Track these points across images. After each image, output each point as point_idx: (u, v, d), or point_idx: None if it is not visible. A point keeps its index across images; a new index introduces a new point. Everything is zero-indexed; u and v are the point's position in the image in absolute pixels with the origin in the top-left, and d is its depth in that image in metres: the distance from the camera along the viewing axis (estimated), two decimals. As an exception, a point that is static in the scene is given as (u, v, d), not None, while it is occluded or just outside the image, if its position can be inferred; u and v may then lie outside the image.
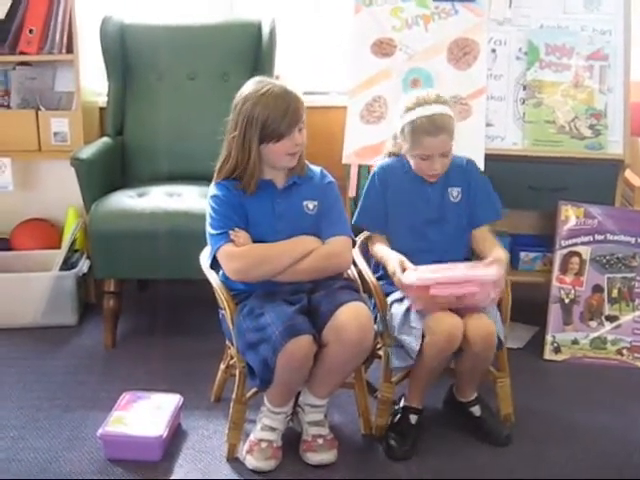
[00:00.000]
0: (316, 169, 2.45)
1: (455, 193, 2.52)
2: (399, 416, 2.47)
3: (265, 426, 2.32)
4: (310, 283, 2.33)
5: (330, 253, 2.33)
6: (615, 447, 2.44)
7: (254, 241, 2.29)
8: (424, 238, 2.50)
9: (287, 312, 2.20)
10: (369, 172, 3.13)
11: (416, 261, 2.38)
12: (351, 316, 2.20)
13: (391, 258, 2.42)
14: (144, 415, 2.42)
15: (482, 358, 2.36)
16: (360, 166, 3.13)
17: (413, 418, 2.45)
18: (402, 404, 2.49)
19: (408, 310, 2.37)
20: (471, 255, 2.56)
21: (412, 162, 2.50)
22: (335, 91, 3.65)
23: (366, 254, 2.59)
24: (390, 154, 2.59)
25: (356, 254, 2.51)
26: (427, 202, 2.51)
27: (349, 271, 2.49)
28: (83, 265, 3.35)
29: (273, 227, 2.32)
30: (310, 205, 2.37)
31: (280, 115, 2.24)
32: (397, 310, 2.41)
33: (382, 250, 2.50)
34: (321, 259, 2.32)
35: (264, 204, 2.31)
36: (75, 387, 2.78)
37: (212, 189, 2.37)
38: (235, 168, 2.32)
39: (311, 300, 2.30)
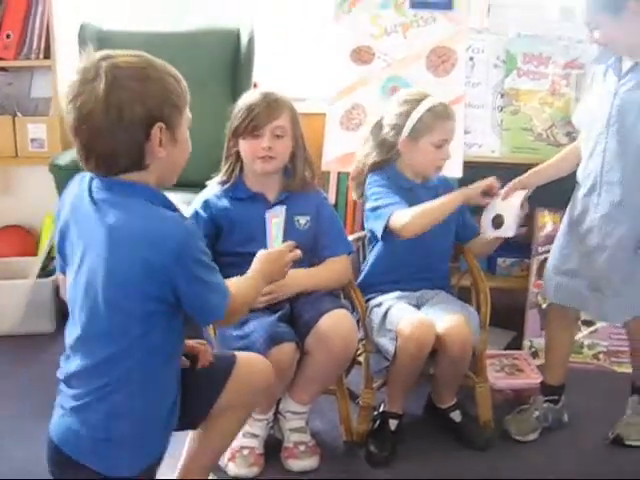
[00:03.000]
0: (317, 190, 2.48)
1: None
2: (378, 422, 2.48)
3: (247, 433, 2.32)
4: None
5: (332, 277, 2.37)
6: (593, 448, 2.49)
7: (247, 254, 2.04)
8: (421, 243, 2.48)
9: (270, 320, 2.21)
10: (348, 179, 3.16)
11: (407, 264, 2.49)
12: (334, 324, 2.22)
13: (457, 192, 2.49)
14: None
15: (458, 363, 2.39)
16: (339, 173, 3.14)
17: (393, 423, 2.46)
18: (381, 409, 2.51)
19: (386, 313, 2.40)
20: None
21: (419, 157, 2.50)
22: (314, 97, 3.66)
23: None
24: (373, 168, 2.57)
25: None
26: None
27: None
28: (61, 272, 3.33)
29: (264, 241, 2.31)
30: (302, 220, 2.38)
31: (253, 109, 2.27)
32: (376, 314, 2.44)
33: (421, 206, 2.42)
34: (324, 282, 2.35)
35: (255, 217, 2.25)
36: (54, 394, 2.75)
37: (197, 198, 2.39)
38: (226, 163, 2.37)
39: (294, 308, 2.32)
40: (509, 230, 2.48)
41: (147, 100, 1.57)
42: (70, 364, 1.72)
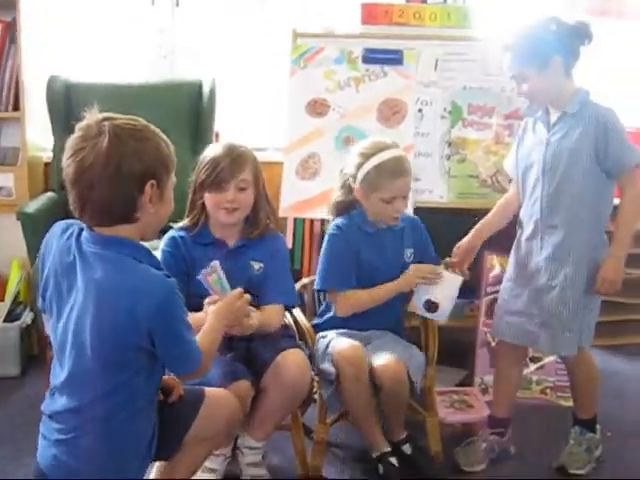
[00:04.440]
0: (277, 234, 2.54)
1: (409, 254, 2.66)
2: (380, 466, 2.55)
3: (205, 468, 2.40)
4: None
5: (262, 323, 2.35)
6: (538, 478, 2.63)
7: (201, 296, 2.22)
8: None
9: (226, 359, 2.32)
10: (304, 224, 3.30)
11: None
12: (291, 363, 2.35)
13: (402, 279, 2.58)
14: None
15: (394, 396, 2.49)
16: (295, 219, 3.28)
17: (393, 460, 2.55)
18: (374, 455, 2.57)
19: (329, 343, 2.53)
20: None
21: (372, 208, 2.56)
22: (272, 147, 3.82)
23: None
24: (338, 206, 2.64)
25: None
26: (386, 260, 2.61)
27: (285, 319, 2.60)
28: (27, 317, 3.41)
29: None
30: (256, 266, 2.46)
31: (218, 164, 2.36)
32: (321, 344, 2.57)
33: (367, 292, 2.57)
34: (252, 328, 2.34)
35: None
36: (21, 438, 2.82)
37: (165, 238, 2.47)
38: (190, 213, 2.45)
39: (250, 347, 2.43)
40: (443, 316, 2.62)
41: (144, 158, 1.73)
42: (55, 403, 1.84)
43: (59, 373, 1.83)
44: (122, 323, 1.72)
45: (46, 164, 3.70)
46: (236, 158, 2.38)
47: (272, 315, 2.44)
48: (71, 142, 1.75)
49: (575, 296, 2.50)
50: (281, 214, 3.23)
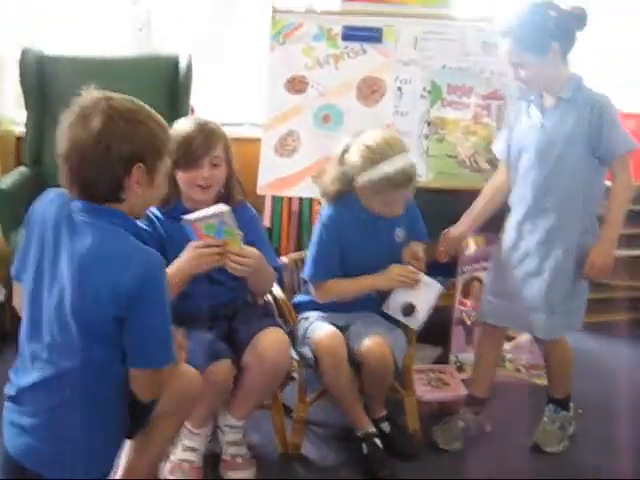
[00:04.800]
0: (242, 204, 2.51)
1: (400, 233, 2.64)
2: (364, 445, 2.56)
3: (186, 447, 2.41)
4: (228, 310, 2.46)
5: (259, 268, 2.35)
6: (513, 455, 2.67)
7: None
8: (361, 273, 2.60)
9: (207, 337, 2.31)
10: (282, 202, 3.29)
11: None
12: (270, 341, 2.35)
13: (383, 278, 2.57)
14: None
15: (378, 377, 2.52)
16: (274, 197, 3.26)
17: (377, 440, 2.56)
18: (359, 434, 2.58)
19: (308, 327, 2.55)
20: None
21: (370, 204, 2.53)
22: (249, 123, 3.79)
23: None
24: (335, 194, 2.58)
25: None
26: (376, 244, 2.60)
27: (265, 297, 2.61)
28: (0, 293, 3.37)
29: None
30: None
31: (191, 142, 2.33)
32: (302, 327, 2.59)
33: (348, 283, 2.59)
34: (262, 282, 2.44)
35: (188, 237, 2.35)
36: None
37: None
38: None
39: (230, 326, 2.43)
40: (417, 322, 2.62)
41: (133, 140, 1.74)
42: (26, 376, 1.79)
43: (35, 343, 1.79)
44: (105, 291, 1.69)
45: (18, 138, 3.63)
46: (209, 135, 2.37)
47: (269, 273, 2.44)
48: (66, 116, 1.75)
49: (565, 280, 2.53)
50: (259, 192, 3.22)
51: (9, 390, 1.84)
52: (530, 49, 2.42)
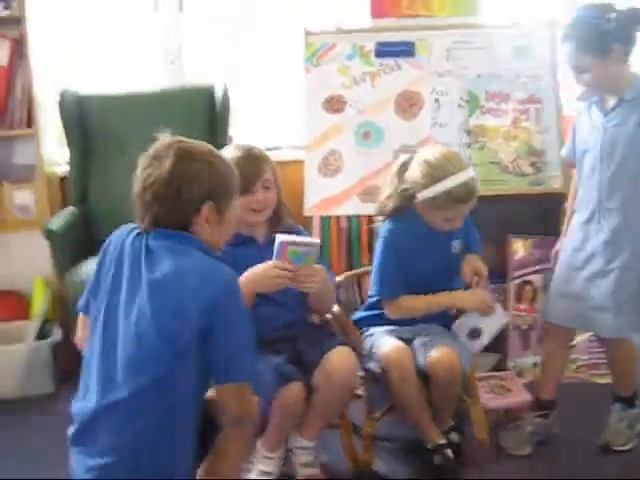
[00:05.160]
0: (296, 226, 2.56)
1: (456, 245, 2.64)
2: (436, 457, 2.55)
3: (260, 472, 2.42)
4: (292, 332, 2.47)
5: (323, 287, 2.37)
6: (585, 457, 2.66)
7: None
8: (428, 290, 2.59)
9: (275, 361, 2.32)
10: (330, 222, 3.31)
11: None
12: (339, 360, 2.36)
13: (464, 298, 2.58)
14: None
15: (447, 388, 2.52)
16: (321, 217, 3.29)
17: (449, 452, 2.55)
18: (429, 446, 2.57)
19: (375, 342, 2.56)
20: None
21: (431, 219, 2.52)
22: (287, 146, 3.82)
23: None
24: (394, 211, 2.58)
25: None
26: (435, 257, 2.59)
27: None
28: (57, 334, 3.40)
29: None
30: None
31: (241, 169, 2.34)
32: (367, 342, 2.60)
33: (423, 300, 2.58)
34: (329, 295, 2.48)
35: (250, 259, 2.35)
36: (60, 455, 2.81)
37: None
38: None
39: (295, 347, 2.44)
40: (481, 348, 2.67)
41: (204, 181, 1.81)
42: (109, 395, 1.78)
43: (107, 364, 1.79)
44: (186, 303, 1.74)
45: (61, 178, 3.68)
46: (256, 159, 2.41)
47: (332, 288, 2.48)
48: (142, 159, 1.85)
49: (632, 279, 2.53)
50: (306, 213, 3.25)
51: (75, 421, 1.84)
52: (592, 53, 2.42)
